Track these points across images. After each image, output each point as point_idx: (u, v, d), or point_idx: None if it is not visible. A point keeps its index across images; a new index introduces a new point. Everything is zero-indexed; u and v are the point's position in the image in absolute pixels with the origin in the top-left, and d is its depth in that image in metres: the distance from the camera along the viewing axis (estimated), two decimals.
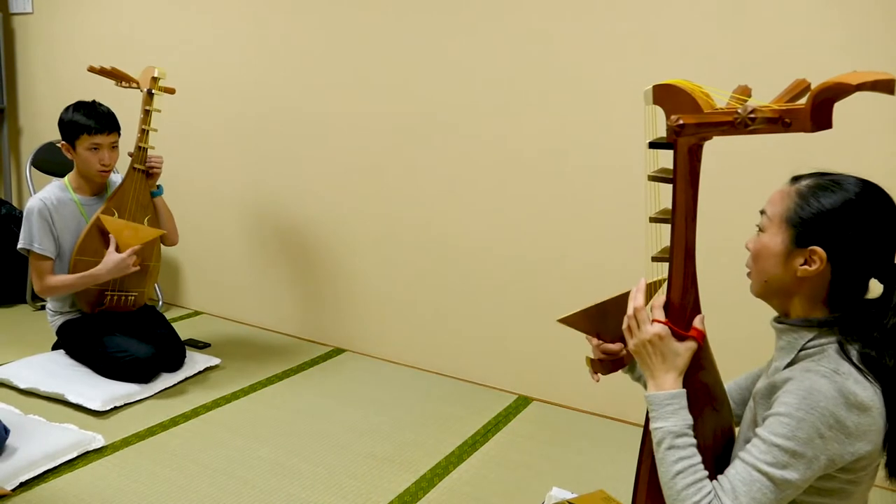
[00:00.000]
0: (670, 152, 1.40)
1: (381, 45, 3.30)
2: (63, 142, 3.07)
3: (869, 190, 1.29)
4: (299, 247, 3.77)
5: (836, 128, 1.25)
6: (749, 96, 1.32)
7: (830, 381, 1.23)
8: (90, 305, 3.16)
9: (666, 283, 1.46)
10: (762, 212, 1.38)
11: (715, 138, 1.37)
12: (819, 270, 1.29)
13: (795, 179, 1.36)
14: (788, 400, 1.24)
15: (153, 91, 3.16)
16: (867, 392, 1.23)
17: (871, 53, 2.34)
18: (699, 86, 1.34)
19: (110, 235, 3.10)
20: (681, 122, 1.33)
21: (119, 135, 3.11)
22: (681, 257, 1.42)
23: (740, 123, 1.26)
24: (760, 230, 1.37)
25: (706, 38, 2.58)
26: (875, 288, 1.32)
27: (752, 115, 1.24)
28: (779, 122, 1.22)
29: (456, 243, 3.27)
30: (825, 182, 1.31)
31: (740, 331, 2.44)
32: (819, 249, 1.28)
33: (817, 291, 1.32)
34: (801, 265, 1.30)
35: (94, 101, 3.09)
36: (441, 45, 3.14)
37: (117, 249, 3.08)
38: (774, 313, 1.42)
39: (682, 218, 1.40)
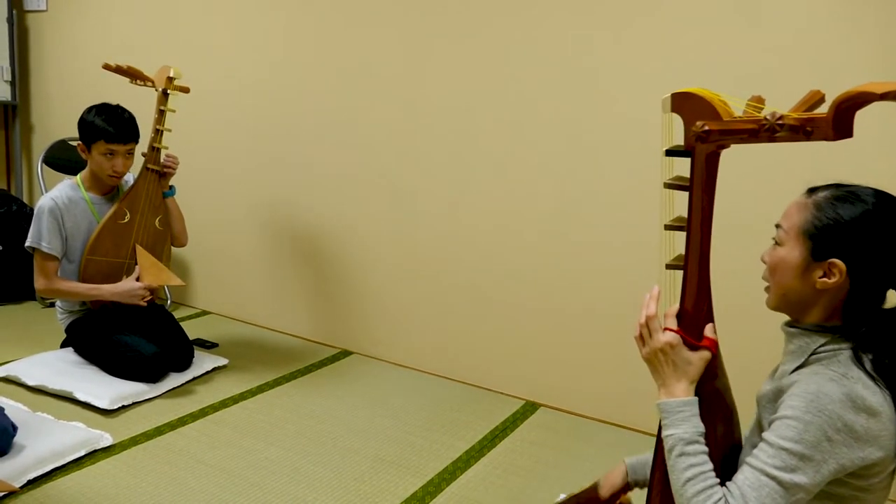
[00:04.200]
0: (684, 160, 1.40)
1: (396, 50, 3.31)
2: (79, 141, 3.07)
3: (887, 201, 1.28)
4: (308, 249, 3.77)
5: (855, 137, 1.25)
6: (764, 105, 1.32)
7: (838, 384, 1.23)
8: (98, 302, 3.18)
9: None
10: (778, 225, 1.37)
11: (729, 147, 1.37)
12: (839, 283, 1.28)
13: (812, 191, 1.35)
14: (795, 403, 1.23)
15: (168, 91, 3.17)
16: (876, 397, 1.23)
17: (880, 65, 2.33)
18: (717, 94, 1.33)
19: (136, 265, 3.14)
20: (706, 128, 1.32)
21: (137, 142, 3.10)
22: (695, 265, 1.42)
23: (768, 130, 1.25)
24: (777, 243, 1.37)
25: (716, 47, 2.58)
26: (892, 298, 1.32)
27: (780, 122, 1.24)
28: (801, 130, 1.22)
29: (465, 248, 3.26)
30: (843, 193, 1.30)
31: (753, 339, 2.42)
32: (839, 262, 1.27)
33: (834, 301, 1.32)
34: (821, 278, 1.30)
35: (117, 106, 3.07)
36: (454, 51, 3.14)
37: (137, 279, 3.12)
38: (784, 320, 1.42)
39: (698, 225, 1.40)
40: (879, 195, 1.29)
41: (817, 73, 2.41)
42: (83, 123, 3.03)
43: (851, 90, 1.16)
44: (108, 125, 2.99)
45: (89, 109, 3.04)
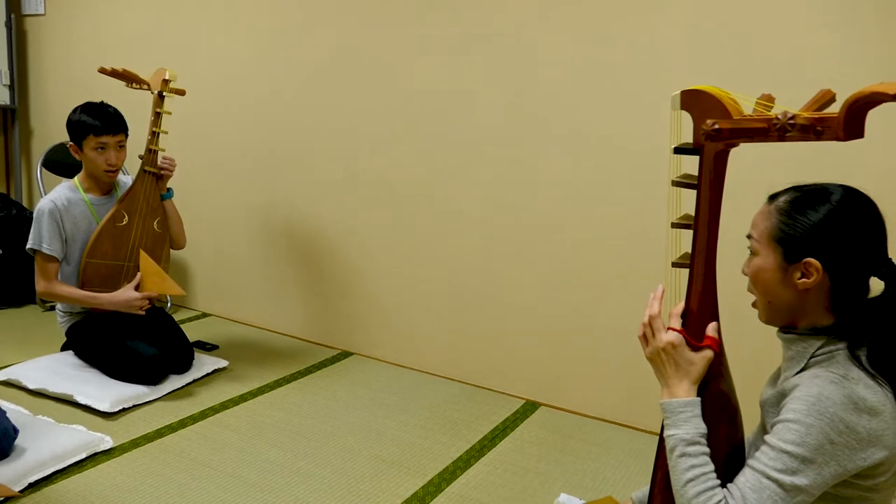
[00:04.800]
0: (693, 158, 1.40)
1: (395, 52, 3.31)
2: (71, 142, 3.08)
3: (846, 193, 1.30)
4: (308, 250, 3.77)
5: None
6: (773, 103, 1.32)
7: (839, 386, 1.23)
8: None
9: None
10: (749, 236, 1.39)
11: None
12: (818, 280, 1.30)
13: (773, 198, 1.37)
14: (797, 406, 1.24)
15: (164, 93, 3.17)
16: (877, 396, 1.24)
17: (881, 63, 2.34)
18: (727, 92, 1.34)
19: (138, 273, 3.14)
20: (717, 126, 1.33)
21: (126, 135, 3.11)
22: (701, 263, 1.42)
23: (780, 129, 1.26)
24: (752, 254, 1.38)
25: (722, 46, 2.58)
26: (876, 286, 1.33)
27: (791, 122, 1.24)
28: (811, 130, 1.22)
29: (465, 248, 3.26)
30: (802, 194, 1.33)
31: (759, 340, 2.42)
32: (813, 261, 1.29)
33: (820, 300, 1.33)
34: (800, 279, 1.31)
35: (101, 102, 3.10)
36: (453, 53, 3.15)
37: (137, 288, 3.12)
38: None
39: (705, 224, 1.41)
40: (838, 189, 1.31)
41: (820, 70, 2.42)
42: (71, 124, 3.05)
43: (863, 90, 1.16)
44: (95, 119, 3.02)
45: (74, 110, 3.07)
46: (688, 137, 1.40)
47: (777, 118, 1.26)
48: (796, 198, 1.32)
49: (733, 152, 1.40)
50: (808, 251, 1.29)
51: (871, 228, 1.29)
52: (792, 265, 1.31)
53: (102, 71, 3.24)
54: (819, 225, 1.28)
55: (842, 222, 1.28)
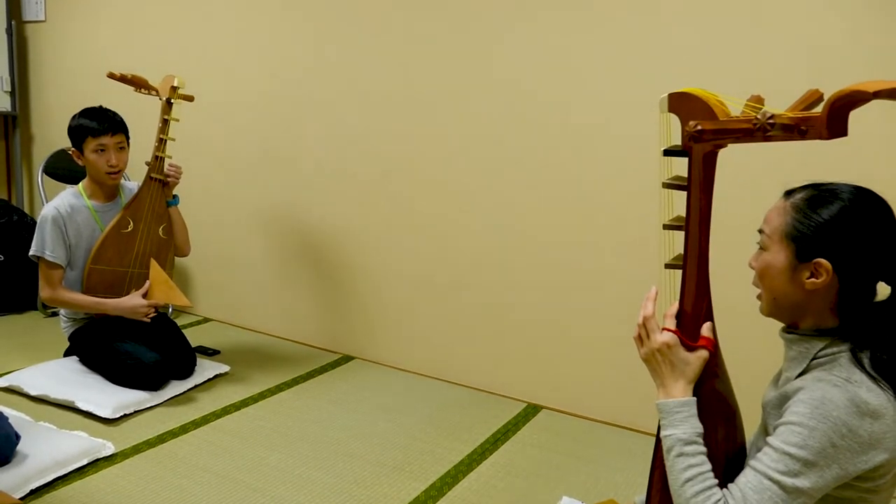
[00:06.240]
0: (684, 160, 1.40)
1: (395, 56, 3.32)
2: (73, 148, 3.09)
3: (863, 195, 1.30)
4: (309, 255, 3.78)
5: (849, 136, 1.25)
6: (762, 105, 1.33)
7: (842, 389, 1.23)
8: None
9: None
10: (760, 230, 1.38)
11: (728, 146, 1.37)
12: (827, 282, 1.29)
13: (788, 194, 1.36)
14: (800, 409, 1.24)
15: (172, 100, 3.18)
16: (880, 399, 1.23)
17: (878, 63, 2.34)
18: (714, 94, 1.34)
19: (147, 281, 3.16)
20: (699, 128, 1.33)
21: (126, 137, 3.11)
22: (694, 264, 1.42)
23: (759, 130, 1.26)
24: (761, 248, 1.38)
25: (714, 47, 2.58)
26: (883, 291, 1.32)
27: (770, 121, 1.24)
28: (795, 129, 1.23)
29: (466, 251, 3.27)
30: (819, 193, 1.31)
31: (756, 340, 2.42)
32: (824, 261, 1.28)
33: (826, 301, 1.32)
34: (808, 278, 1.30)
35: (100, 106, 3.11)
36: (455, 55, 3.15)
37: (144, 296, 3.14)
38: None
39: (697, 225, 1.41)
40: (855, 191, 1.30)
41: (818, 71, 2.42)
42: (70, 129, 3.07)
43: (845, 89, 1.17)
44: (92, 121, 3.03)
45: (73, 116, 3.08)
46: (678, 139, 1.40)
47: (757, 118, 1.26)
48: (813, 196, 1.31)
49: (731, 152, 1.40)
50: (820, 251, 1.28)
51: (883, 231, 1.28)
52: (802, 264, 1.30)
53: (111, 76, 3.23)
54: (834, 226, 1.27)
55: (855, 223, 1.27)
